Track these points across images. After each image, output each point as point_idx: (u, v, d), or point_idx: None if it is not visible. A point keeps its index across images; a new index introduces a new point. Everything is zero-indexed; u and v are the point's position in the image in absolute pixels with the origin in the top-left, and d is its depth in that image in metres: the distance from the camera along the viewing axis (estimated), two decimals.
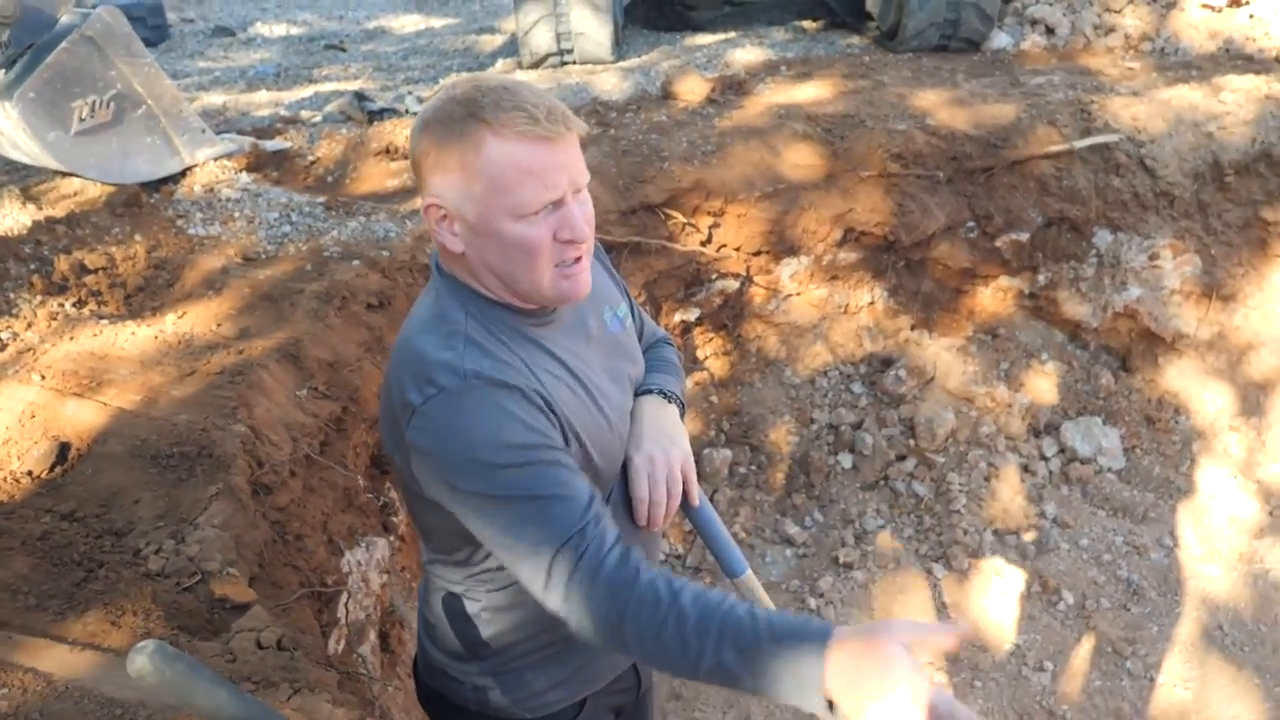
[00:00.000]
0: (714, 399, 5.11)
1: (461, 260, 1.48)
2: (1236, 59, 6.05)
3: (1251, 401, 5.28)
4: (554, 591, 1.38)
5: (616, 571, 1.35)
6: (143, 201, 4.18)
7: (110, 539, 2.32)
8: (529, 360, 1.49)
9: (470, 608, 1.68)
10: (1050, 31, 6.55)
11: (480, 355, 1.42)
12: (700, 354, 5.20)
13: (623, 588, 1.34)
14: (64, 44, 4.10)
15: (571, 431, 1.49)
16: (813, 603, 4.51)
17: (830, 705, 1.22)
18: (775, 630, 1.27)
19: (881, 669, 1.19)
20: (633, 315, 1.88)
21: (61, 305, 3.45)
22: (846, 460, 5.02)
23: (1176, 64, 6.00)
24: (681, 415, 1.79)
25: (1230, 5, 6.26)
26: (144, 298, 3.60)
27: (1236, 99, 5.33)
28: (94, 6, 4.39)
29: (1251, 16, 6.21)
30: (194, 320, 3.37)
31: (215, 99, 6.50)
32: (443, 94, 1.44)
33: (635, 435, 1.66)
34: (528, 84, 1.44)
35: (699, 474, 1.84)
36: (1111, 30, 6.44)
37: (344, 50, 8.41)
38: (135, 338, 3.23)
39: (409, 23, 9.64)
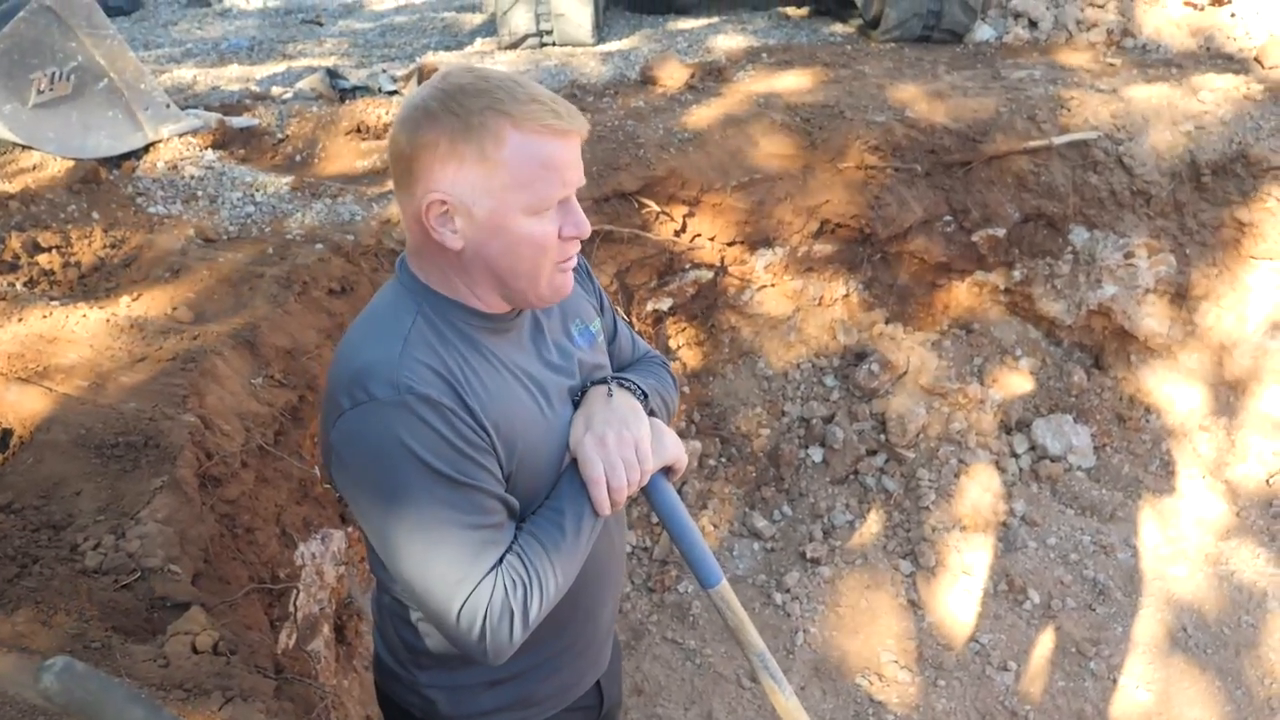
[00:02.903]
0: (685, 389, 5.06)
1: (450, 260, 1.42)
2: (1217, 58, 6.02)
3: (1222, 402, 5.27)
4: (464, 631, 1.36)
5: (504, 612, 1.38)
6: (102, 178, 4.07)
7: (47, 532, 2.25)
8: (477, 369, 1.43)
9: (413, 615, 1.64)
10: (1033, 25, 6.50)
11: (419, 365, 1.36)
12: (673, 344, 5.15)
13: (510, 621, 1.38)
14: (22, 14, 4.00)
15: (511, 446, 1.43)
16: (779, 597, 4.48)
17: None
18: (559, 504, 1.49)
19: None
20: (614, 329, 1.83)
21: (11, 284, 3.36)
22: (817, 454, 4.99)
23: (1157, 61, 5.96)
24: (655, 414, 1.66)
25: (1213, 4, 6.23)
26: (98, 278, 3.51)
27: (1215, 98, 5.30)
28: None
29: (1233, 15, 6.18)
30: (148, 303, 3.29)
31: (185, 72, 6.36)
32: (440, 84, 1.36)
33: (583, 417, 1.54)
34: (520, 76, 1.42)
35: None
36: (1094, 26, 6.40)
37: (320, 25, 8.27)
38: (86, 320, 3.14)
39: None
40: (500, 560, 1.38)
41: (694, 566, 1.63)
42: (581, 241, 1.48)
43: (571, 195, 1.41)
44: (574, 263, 1.48)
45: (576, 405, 1.58)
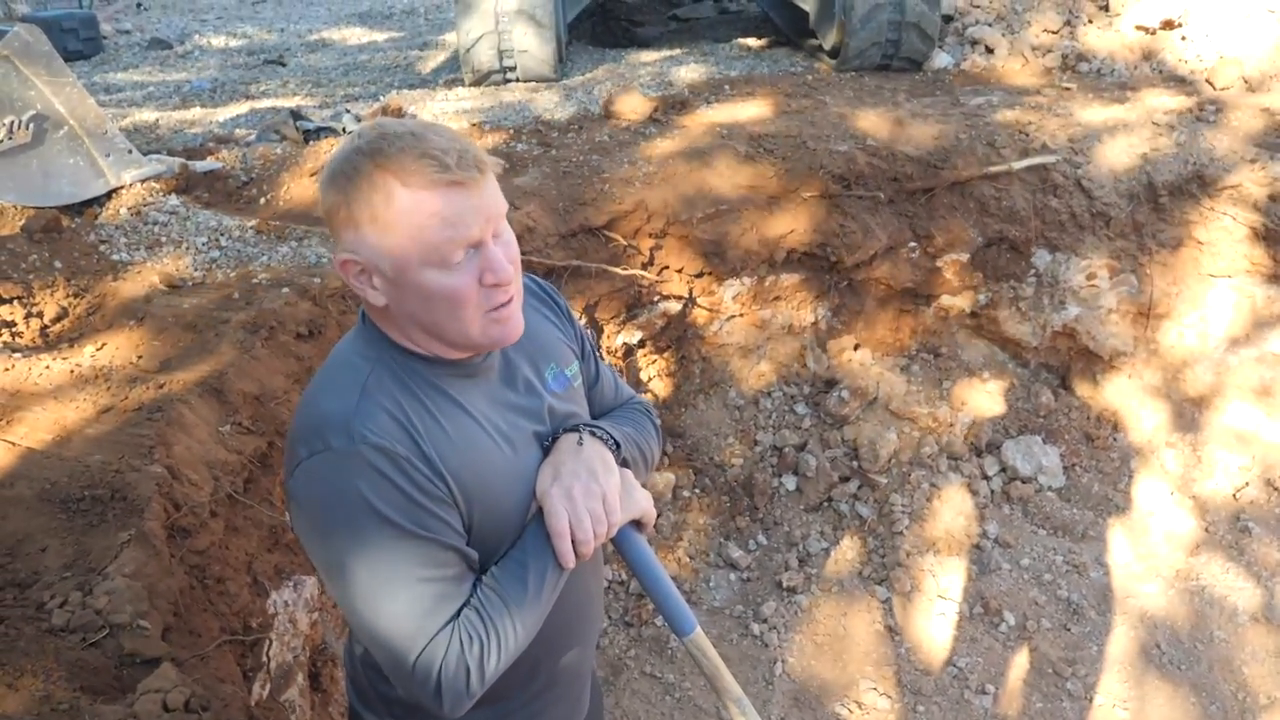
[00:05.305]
0: (657, 421, 5.06)
1: (385, 313, 1.43)
2: (1169, 79, 6.15)
3: (1187, 418, 5.35)
4: (419, 684, 1.37)
5: (460, 667, 1.38)
6: (63, 226, 4.04)
7: (12, 591, 2.21)
8: (439, 415, 1.43)
9: None
10: (989, 51, 6.62)
11: (378, 413, 1.37)
12: (643, 376, 5.16)
13: (465, 677, 1.38)
14: None
15: (472, 495, 1.43)
16: (756, 628, 4.48)
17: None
18: (522, 556, 1.46)
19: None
20: (596, 374, 1.80)
21: None
22: (790, 482, 5.01)
23: (1112, 84, 6.09)
24: (630, 465, 1.63)
25: (1163, 27, 6.37)
26: (61, 328, 3.47)
27: (1169, 120, 5.42)
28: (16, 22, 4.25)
29: (1184, 39, 6.32)
30: (113, 353, 3.25)
31: (147, 116, 6.34)
32: (347, 143, 1.38)
33: (551, 466, 1.51)
34: (436, 126, 1.39)
35: None
36: (1049, 51, 6.52)
37: (283, 65, 8.27)
38: (50, 372, 3.10)
39: (351, 36, 9.51)
40: (457, 614, 1.38)
41: (668, 616, 1.62)
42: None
43: (485, 239, 1.36)
44: (511, 308, 1.42)
45: (546, 453, 1.56)
